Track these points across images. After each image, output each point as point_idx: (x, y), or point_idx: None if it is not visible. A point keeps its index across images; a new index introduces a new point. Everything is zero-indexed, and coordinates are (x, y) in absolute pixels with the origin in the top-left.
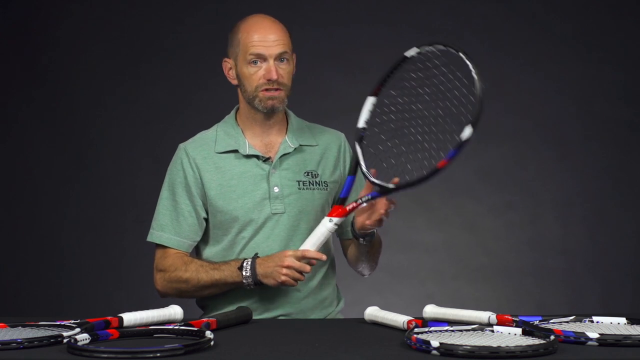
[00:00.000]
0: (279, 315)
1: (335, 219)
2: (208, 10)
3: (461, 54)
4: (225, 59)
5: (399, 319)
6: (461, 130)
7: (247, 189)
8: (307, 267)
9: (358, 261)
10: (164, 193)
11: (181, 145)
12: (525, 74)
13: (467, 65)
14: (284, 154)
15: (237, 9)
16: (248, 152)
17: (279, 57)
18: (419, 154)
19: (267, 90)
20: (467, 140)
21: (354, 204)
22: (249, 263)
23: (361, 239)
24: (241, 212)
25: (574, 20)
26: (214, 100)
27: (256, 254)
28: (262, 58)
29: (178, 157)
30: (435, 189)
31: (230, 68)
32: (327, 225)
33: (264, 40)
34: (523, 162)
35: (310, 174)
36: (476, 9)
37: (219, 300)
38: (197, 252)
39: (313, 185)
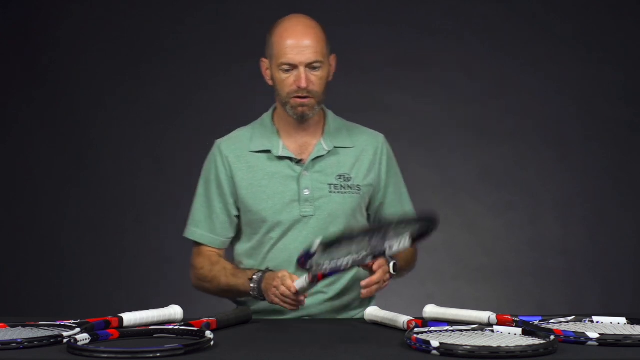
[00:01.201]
0: (304, 316)
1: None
2: (208, 10)
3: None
4: (263, 59)
5: (399, 319)
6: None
7: (277, 190)
8: (288, 296)
9: None
10: (199, 189)
11: (217, 142)
12: (525, 74)
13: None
14: (317, 157)
15: (237, 9)
16: (281, 153)
17: (310, 65)
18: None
19: (297, 97)
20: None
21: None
22: (258, 276)
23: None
24: (270, 212)
25: (574, 20)
26: (214, 100)
27: (267, 267)
28: (293, 66)
29: (212, 153)
30: (436, 188)
31: (267, 68)
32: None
33: (295, 47)
34: (523, 162)
35: (342, 177)
36: (476, 9)
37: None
38: (231, 247)
39: (345, 188)
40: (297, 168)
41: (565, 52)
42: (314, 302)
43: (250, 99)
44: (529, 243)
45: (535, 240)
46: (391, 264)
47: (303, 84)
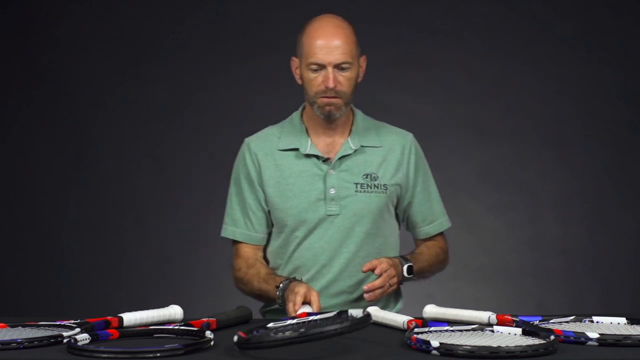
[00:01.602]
0: None
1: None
2: (208, 10)
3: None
4: (293, 58)
5: (399, 319)
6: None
7: (303, 189)
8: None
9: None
10: (232, 188)
11: (246, 140)
12: (525, 74)
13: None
14: (344, 155)
15: (237, 9)
16: (308, 151)
17: (339, 66)
18: None
19: (325, 97)
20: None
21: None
22: (284, 284)
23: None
24: (295, 211)
25: (574, 20)
26: (214, 100)
27: (294, 277)
28: (321, 66)
29: (242, 151)
30: None
31: (297, 67)
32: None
33: (324, 48)
34: (523, 162)
35: (369, 176)
36: (476, 9)
37: None
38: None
39: (371, 188)
40: (324, 167)
41: (565, 52)
42: (338, 303)
43: (250, 99)
44: (529, 243)
45: (535, 240)
46: (405, 267)
47: (330, 85)
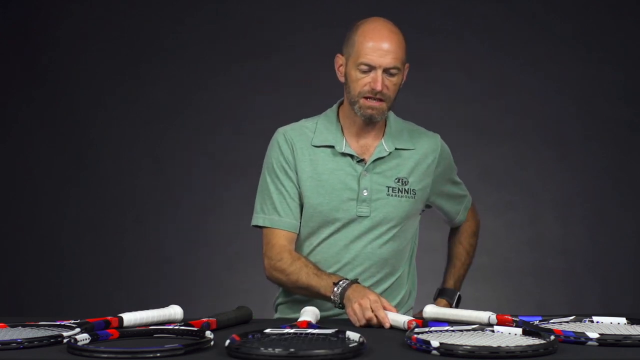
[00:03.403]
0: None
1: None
2: (208, 10)
3: None
4: (338, 55)
5: (400, 319)
6: None
7: (336, 187)
8: (371, 319)
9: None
10: (266, 178)
11: (280, 130)
12: (525, 74)
13: None
14: (378, 158)
15: (237, 9)
16: (344, 149)
17: (388, 70)
18: None
19: (368, 98)
20: None
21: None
22: (346, 283)
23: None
24: (326, 208)
25: (574, 20)
26: (214, 100)
27: (356, 278)
28: (372, 67)
29: (276, 140)
30: None
31: (341, 65)
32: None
33: (377, 50)
34: (523, 162)
35: (401, 180)
36: (476, 9)
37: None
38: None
39: (402, 192)
40: (358, 167)
41: (565, 52)
42: None
43: (250, 99)
44: (529, 243)
45: (535, 240)
46: (456, 298)
47: (379, 87)
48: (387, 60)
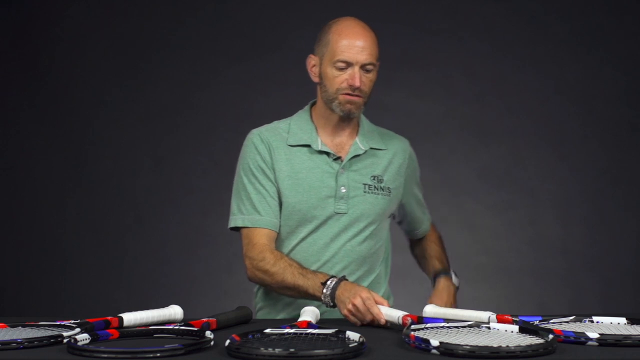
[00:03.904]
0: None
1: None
2: (208, 10)
3: None
4: (311, 55)
5: (394, 314)
6: None
7: (314, 185)
8: (367, 317)
9: (422, 260)
10: (242, 179)
11: (254, 131)
12: (525, 74)
13: None
14: (355, 156)
15: (237, 9)
16: (320, 147)
17: (365, 67)
18: None
19: (347, 94)
20: None
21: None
22: (334, 282)
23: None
24: (305, 206)
25: (574, 20)
26: (214, 100)
27: (344, 276)
28: (348, 64)
29: (252, 141)
30: (435, 188)
31: (315, 65)
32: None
33: (353, 47)
34: (523, 162)
35: (376, 178)
36: (476, 9)
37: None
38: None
39: (377, 190)
40: (335, 165)
41: (565, 52)
42: None
43: (250, 99)
44: (529, 243)
45: (535, 240)
46: (452, 273)
47: (357, 83)
48: (364, 57)
